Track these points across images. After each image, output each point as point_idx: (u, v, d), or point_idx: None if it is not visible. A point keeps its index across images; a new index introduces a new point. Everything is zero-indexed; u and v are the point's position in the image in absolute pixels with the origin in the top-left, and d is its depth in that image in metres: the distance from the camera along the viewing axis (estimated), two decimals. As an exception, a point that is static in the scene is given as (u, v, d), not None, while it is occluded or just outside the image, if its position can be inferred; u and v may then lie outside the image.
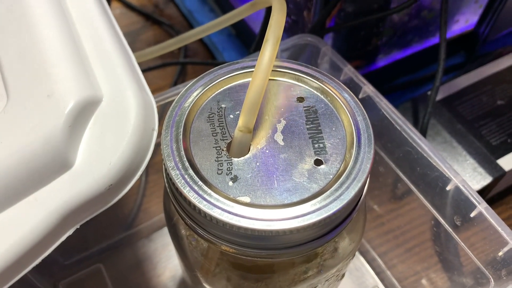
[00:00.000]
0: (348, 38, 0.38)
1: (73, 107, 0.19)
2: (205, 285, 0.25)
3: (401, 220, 0.34)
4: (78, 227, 0.20)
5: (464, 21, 0.44)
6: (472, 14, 0.44)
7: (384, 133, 0.28)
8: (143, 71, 0.28)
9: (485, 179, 0.33)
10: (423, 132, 0.33)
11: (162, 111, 0.27)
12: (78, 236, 0.35)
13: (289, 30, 0.38)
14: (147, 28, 0.50)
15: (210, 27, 0.30)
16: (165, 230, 0.36)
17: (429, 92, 0.37)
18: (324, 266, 0.23)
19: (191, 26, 0.50)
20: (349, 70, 0.29)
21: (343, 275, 0.28)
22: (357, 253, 0.35)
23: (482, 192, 0.34)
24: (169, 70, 0.45)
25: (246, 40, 0.46)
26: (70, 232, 0.20)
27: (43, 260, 0.33)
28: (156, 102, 0.24)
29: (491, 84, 0.39)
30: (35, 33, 0.21)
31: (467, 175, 0.33)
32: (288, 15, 0.37)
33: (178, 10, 0.52)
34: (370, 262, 0.35)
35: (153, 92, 0.23)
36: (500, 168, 0.34)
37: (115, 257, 0.35)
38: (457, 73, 0.42)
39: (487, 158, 0.34)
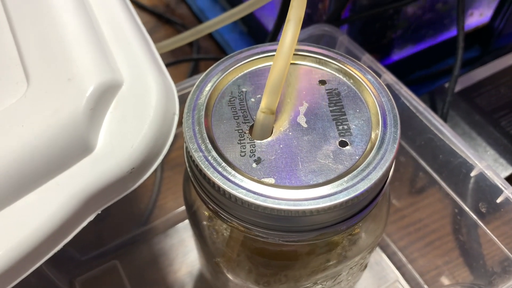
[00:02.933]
0: (362, 31, 0.37)
1: (94, 90, 0.19)
2: (227, 274, 0.24)
3: (422, 213, 0.34)
4: (100, 212, 0.20)
5: (479, 15, 0.44)
6: (486, 7, 0.44)
7: (404, 121, 0.28)
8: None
9: (506, 170, 0.33)
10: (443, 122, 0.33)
11: (179, 102, 0.27)
12: (94, 232, 0.34)
13: (304, 24, 0.37)
14: (159, 28, 0.50)
15: (226, 18, 0.30)
16: (182, 226, 0.36)
17: (446, 84, 0.37)
18: (347, 253, 0.22)
19: (203, 25, 0.50)
20: (367, 59, 0.29)
21: (365, 266, 0.27)
22: (377, 247, 0.35)
23: (504, 183, 0.33)
24: (182, 69, 0.45)
25: (258, 37, 0.46)
26: (91, 217, 0.19)
27: (60, 256, 0.33)
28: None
29: (509, 75, 0.38)
30: (54, 19, 0.21)
31: (488, 166, 0.33)
32: (302, 8, 0.37)
33: (190, 9, 0.52)
34: (391, 256, 0.34)
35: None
36: (522, 159, 0.33)
37: (131, 253, 0.34)
38: (472, 67, 0.41)
39: (507, 148, 0.33)
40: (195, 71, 0.45)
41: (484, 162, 0.24)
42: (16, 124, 0.18)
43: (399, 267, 0.34)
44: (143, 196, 0.37)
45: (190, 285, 0.33)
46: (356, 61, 0.22)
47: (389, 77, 0.28)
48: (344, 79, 0.21)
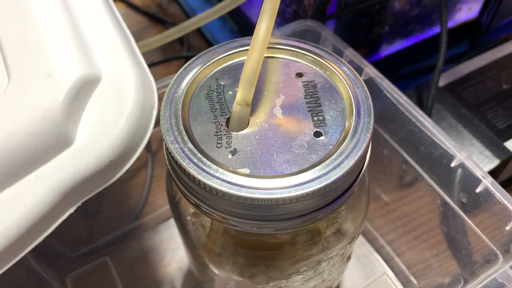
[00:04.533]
0: (349, 27, 0.38)
1: (73, 85, 0.19)
2: (211, 267, 0.25)
3: (410, 206, 0.34)
4: (80, 204, 0.20)
5: (467, 9, 0.44)
6: (474, 2, 0.44)
7: (387, 114, 0.28)
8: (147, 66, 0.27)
9: (492, 162, 0.33)
10: (428, 115, 0.33)
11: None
12: (85, 229, 0.35)
13: (290, 20, 0.38)
14: (151, 28, 0.51)
15: (210, 14, 0.30)
16: (171, 222, 0.36)
17: (433, 78, 0.37)
18: (328, 243, 0.23)
19: (194, 25, 0.50)
20: (350, 53, 0.29)
21: (349, 257, 0.27)
22: (365, 241, 0.35)
23: (491, 175, 0.34)
24: (173, 66, 0.46)
25: (248, 34, 0.47)
26: (72, 209, 0.20)
27: (50, 253, 0.33)
28: (158, 89, 0.24)
29: (496, 69, 0.38)
30: (34, 15, 0.21)
31: (474, 158, 0.33)
32: (289, 5, 0.37)
33: (181, 9, 0.52)
34: (379, 250, 0.34)
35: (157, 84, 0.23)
36: (508, 151, 0.33)
37: (121, 250, 0.35)
38: (461, 61, 0.42)
39: (493, 141, 0.34)
40: (186, 69, 0.46)
41: (464, 153, 0.25)
42: (-4, 119, 0.19)
43: (387, 260, 0.34)
44: (133, 193, 0.37)
45: (179, 280, 0.33)
46: (333, 53, 0.22)
47: (371, 70, 0.28)
48: (321, 71, 0.21)
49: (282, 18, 0.39)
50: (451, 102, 0.36)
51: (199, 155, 0.18)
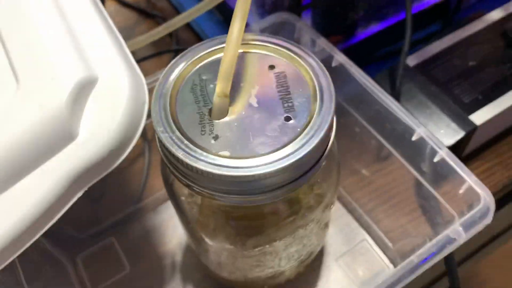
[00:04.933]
0: (325, 15, 0.40)
1: (74, 87, 0.22)
2: (206, 240, 0.28)
3: (384, 179, 0.37)
4: (87, 189, 0.23)
5: (438, -9, 0.47)
6: (444, -17, 0.47)
7: (357, 96, 0.31)
8: (139, 61, 0.29)
9: (458, 134, 0.36)
10: (397, 95, 0.36)
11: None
12: (91, 213, 0.38)
13: (270, 11, 0.40)
14: (141, 23, 0.53)
15: (196, 10, 0.33)
16: (169, 203, 0.39)
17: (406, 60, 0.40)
18: (306, 210, 0.26)
19: (182, 17, 0.52)
20: (322, 42, 0.32)
21: (326, 225, 0.31)
22: (345, 211, 0.38)
23: (458, 147, 0.37)
24: (164, 60, 0.48)
25: (234, 25, 0.49)
26: (79, 194, 0.23)
27: (61, 236, 0.37)
28: (149, 84, 0.27)
29: (463, 47, 0.41)
30: (36, 26, 0.24)
31: (441, 131, 0.36)
32: (267, -3, 0.40)
33: (169, 3, 0.55)
34: (358, 219, 0.38)
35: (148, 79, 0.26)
36: (472, 123, 0.36)
37: (126, 230, 0.38)
38: (431, 42, 0.44)
39: (459, 114, 0.37)
40: (176, 61, 0.48)
41: (423, 127, 0.28)
42: (9, 119, 0.22)
43: (366, 227, 0.37)
44: (134, 178, 0.40)
45: (179, 255, 0.37)
46: (301, 46, 0.25)
47: (342, 58, 0.31)
48: (290, 63, 0.24)
49: (262, 9, 0.42)
50: (421, 80, 0.39)
51: (186, 141, 0.22)
